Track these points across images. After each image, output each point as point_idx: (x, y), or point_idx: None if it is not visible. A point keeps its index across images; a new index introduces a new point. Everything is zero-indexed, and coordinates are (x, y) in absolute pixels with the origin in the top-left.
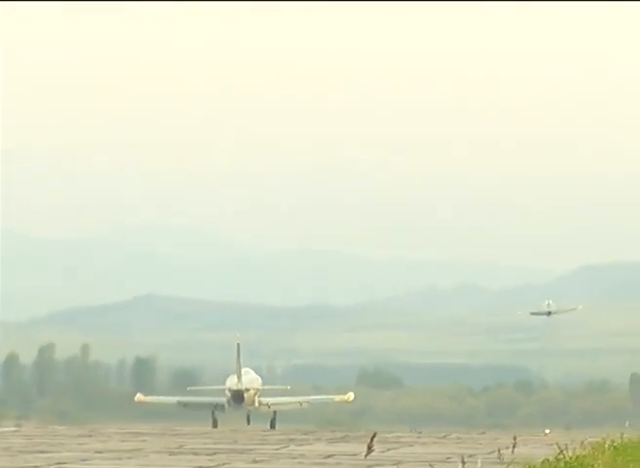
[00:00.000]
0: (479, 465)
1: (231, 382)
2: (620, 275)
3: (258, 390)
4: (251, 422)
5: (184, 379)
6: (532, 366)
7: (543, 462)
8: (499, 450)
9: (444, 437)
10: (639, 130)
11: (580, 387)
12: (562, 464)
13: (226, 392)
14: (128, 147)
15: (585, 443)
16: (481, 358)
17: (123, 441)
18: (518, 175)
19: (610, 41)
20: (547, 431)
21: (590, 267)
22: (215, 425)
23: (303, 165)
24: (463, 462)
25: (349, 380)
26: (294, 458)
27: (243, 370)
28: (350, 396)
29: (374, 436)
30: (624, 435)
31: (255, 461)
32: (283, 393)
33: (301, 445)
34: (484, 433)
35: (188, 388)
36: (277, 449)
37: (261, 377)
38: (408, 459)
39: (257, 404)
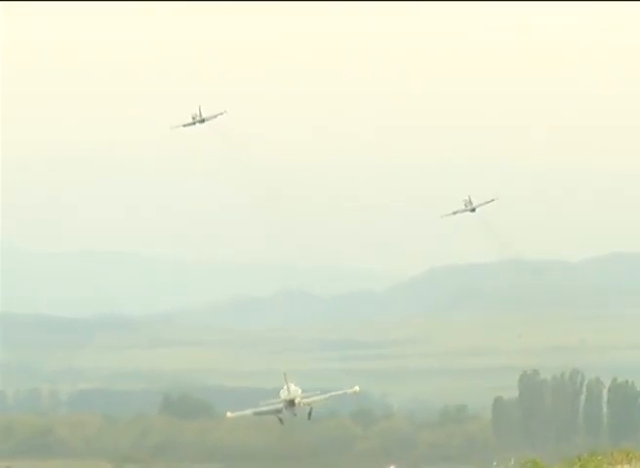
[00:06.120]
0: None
1: (284, 394)
2: (469, 280)
3: (300, 396)
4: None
5: None
6: (372, 390)
7: None
8: None
9: None
10: None
11: (431, 416)
12: None
13: (282, 401)
14: None
15: None
16: (310, 379)
17: None
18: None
19: None
20: None
21: (437, 270)
22: (282, 422)
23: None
24: None
25: (150, 408)
26: None
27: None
28: (356, 389)
29: None
30: None
31: None
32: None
33: None
34: None
35: (261, 403)
36: None
37: (43, 405)
38: None
39: (301, 405)
